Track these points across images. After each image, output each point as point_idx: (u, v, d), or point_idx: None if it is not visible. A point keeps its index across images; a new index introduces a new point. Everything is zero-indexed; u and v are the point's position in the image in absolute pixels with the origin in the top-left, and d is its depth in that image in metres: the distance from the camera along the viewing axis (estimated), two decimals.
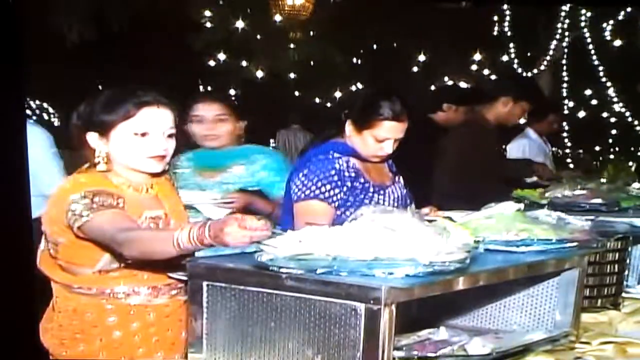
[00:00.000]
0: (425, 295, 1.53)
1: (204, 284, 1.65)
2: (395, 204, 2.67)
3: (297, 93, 11.30)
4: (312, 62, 9.34)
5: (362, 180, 2.64)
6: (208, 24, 8.18)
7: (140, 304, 2.05)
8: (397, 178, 2.81)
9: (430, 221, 1.81)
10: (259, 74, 9.13)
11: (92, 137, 2.05)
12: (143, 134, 2.03)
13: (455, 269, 1.53)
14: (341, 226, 1.64)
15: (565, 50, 8.41)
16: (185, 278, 1.94)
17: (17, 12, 1.91)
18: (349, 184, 2.60)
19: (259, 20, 8.00)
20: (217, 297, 1.63)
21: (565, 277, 1.92)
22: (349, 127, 2.65)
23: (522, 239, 1.86)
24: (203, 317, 1.65)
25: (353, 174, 2.62)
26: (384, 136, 2.59)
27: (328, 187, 2.56)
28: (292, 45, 8.69)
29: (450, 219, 2.00)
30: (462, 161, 3.82)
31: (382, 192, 2.68)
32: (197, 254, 1.98)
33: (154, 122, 2.04)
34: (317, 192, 2.56)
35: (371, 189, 2.65)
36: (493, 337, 1.85)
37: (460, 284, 1.58)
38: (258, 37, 8.40)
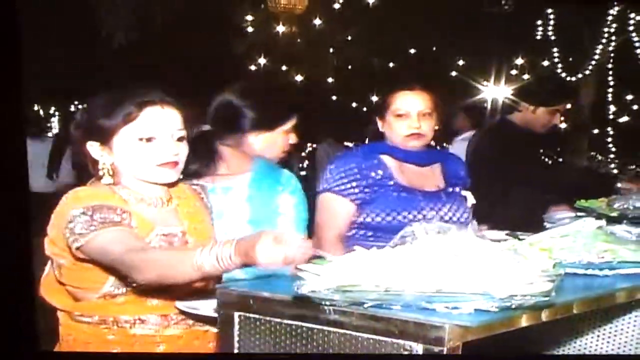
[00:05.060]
0: (498, 332, 1.28)
1: (236, 314, 1.46)
2: (436, 214, 2.40)
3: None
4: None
5: (390, 179, 2.45)
6: (250, 28, 8.05)
7: (147, 334, 1.81)
8: (452, 188, 2.53)
9: (496, 241, 1.57)
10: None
11: (93, 147, 1.83)
12: (149, 139, 1.80)
13: (537, 302, 1.27)
14: (394, 250, 1.40)
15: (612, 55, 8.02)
16: (194, 311, 1.70)
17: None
18: (371, 180, 2.44)
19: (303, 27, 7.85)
20: (251, 329, 1.44)
21: None
22: (379, 123, 2.54)
23: (607, 262, 1.59)
24: (234, 351, 1.46)
25: (380, 172, 2.46)
26: (402, 110, 2.45)
27: (345, 180, 2.44)
28: None
29: (516, 237, 1.74)
30: None
31: (420, 197, 2.44)
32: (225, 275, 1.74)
33: (159, 124, 1.81)
34: (334, 184, 2.45)
35: (404, 192, 2.43)
36: None
37: (542, 317, 1.33)
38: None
